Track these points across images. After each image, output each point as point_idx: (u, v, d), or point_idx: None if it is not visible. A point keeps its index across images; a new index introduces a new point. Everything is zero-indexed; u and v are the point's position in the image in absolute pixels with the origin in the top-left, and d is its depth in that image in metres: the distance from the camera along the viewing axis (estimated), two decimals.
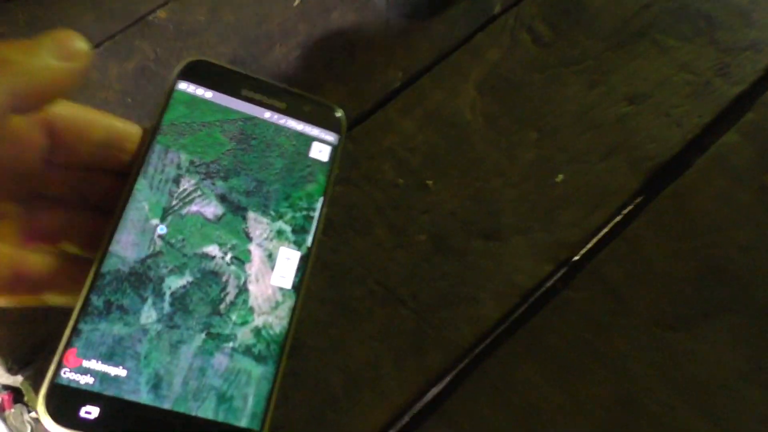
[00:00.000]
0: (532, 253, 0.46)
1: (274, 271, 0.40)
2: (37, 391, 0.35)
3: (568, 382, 0.42)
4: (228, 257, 0.39)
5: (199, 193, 0.40)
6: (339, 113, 0.45)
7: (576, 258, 0.47)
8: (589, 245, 0.47)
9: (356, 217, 0.45)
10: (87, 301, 0.36)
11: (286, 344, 0.38)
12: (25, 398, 0.34)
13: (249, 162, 0.42)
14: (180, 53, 0.46)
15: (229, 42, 0.47)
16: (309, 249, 0.41)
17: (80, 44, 0.32)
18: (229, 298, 0.38)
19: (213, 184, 0.41)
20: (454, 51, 0.51)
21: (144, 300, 0.37)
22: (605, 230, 0.48)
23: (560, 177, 0.49)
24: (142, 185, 0.39)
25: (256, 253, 0.40)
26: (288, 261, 0.40)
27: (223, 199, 0.40)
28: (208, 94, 0.42)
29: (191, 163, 0.40)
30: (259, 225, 0.41)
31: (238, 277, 0.39)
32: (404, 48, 0.50)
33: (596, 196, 0.49)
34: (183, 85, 0.42)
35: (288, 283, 0.40)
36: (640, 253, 0.47)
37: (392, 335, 0.43)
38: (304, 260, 0.40)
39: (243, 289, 0.39)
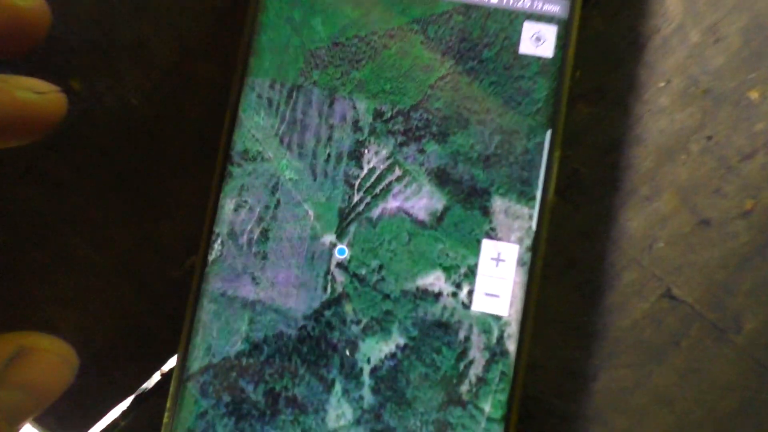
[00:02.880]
0: None
1: None
2: None
3: None
4: (464, 293, 0.21)
5: (398, 173, 0.22)
6: None
7: None
8: None
9: (627, 169, 0.23)
10: (237, 394, 0.21)
11: None
12: None
13: (484, 95, 0.22)
14: None
15: None
16: (535, 240, 0.21)
17: None
18: (474, 372, 0.21)
19: (421, 150, 0.22)
20: None
21: (329, 386, 0.21)
22: None
23: None
24: (296, 170, 0.22)
25: (517, 278, 0.21)
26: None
27: (442, 178, 0.22)
28: None
29: (376, 115, 0.22)
30: (516, 221, 0.22)
31: (487, 330, 0.21)
32: None
33: None
34: None
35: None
36: None
37: (756, 408, 0.22)
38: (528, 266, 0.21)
39: (499, 352, 0.21)
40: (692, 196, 0.23)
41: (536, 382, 0.22)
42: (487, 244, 0.21)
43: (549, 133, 0.22)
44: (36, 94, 0.19)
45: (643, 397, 0.22)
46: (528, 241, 0.21)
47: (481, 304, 0.21)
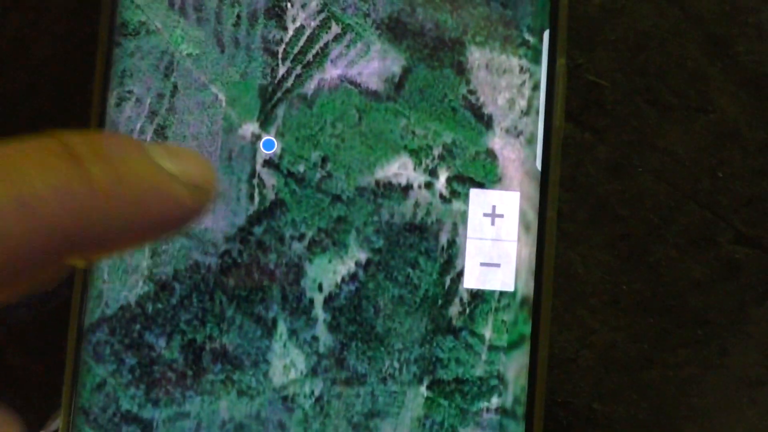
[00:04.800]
0: None
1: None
2: None
3: None
4: (441, 181, 0.16)
5: (336, 30, 0.16)
6: None
7: None
8: None
9: (665, 72, 0.18)
10: (145, 353, 0.16)
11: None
12: None
13: None
14: None
15: None
16: (543, 184, 0.16)
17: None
18: (466, 286, 0.16)
19: None
20: None
21: (270, 329, 0.16)
22: None
23: None
24: (195, 42, 0.16)
25: (508, 154, 0.16)
26: None
27: (397, 30, 0.16)
28: None
29: None
30: (503, 77, 0.16)
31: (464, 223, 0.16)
32: None
33: None
34: None
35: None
36: None
37: None
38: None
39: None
40: (762, 98, 0.17)
41: (566, 381, 0.17)
42: (476, 196, 0.16)
43: (546, 34, 0.16)
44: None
45: (716, 385, 0.17)
46: (533, 187, 0.16)
47: (476, 279, 0.16)
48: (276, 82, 0.16)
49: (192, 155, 0.10)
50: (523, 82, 0.16)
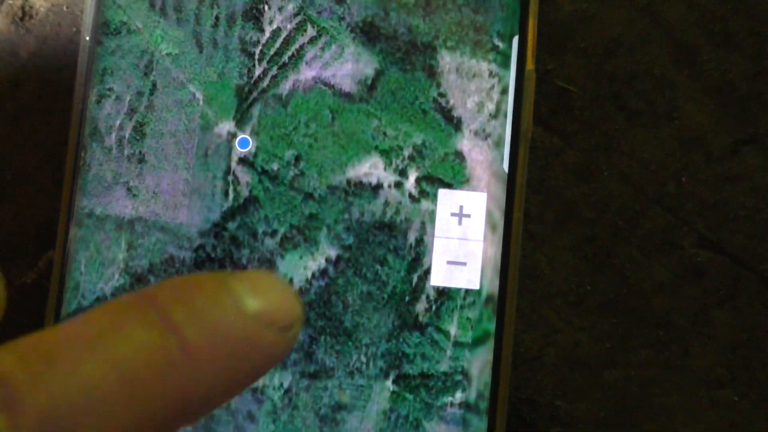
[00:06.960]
0: None
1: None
2: None
3: None
4: (411, 182, 0.17)
5: (311, 32, 0.17)
6: None
7: None
8: None
9: (633, 79, 0.18)
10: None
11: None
12: None
13: None
14: None
15: None
16: (510, 185, 0.17)
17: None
18: (433, 284, 0.16)
19: (339, 1, 0.17)
20: None
21: None
22: None
23: None
24: (174, 42, 0.17)
25: (476, 156, 0.17)
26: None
27: (370, 34, 0.17)
28: None
29: None
30: (472, 81, 0.17)
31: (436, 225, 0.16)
32: None
33: None
34: None
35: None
36: None
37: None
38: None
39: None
40: (727, 105, 0.18)
41: (530, 378, 0.17)
42: (445, 196, 0.16)
43: (516, 40, 0.17)
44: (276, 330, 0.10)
45: (677, 385, 0.17)
46: (500, 188, 0.17)
47: (442, 276, 0.16)
48: (252, 82, 0.17)
49: (274, 284, 0.10)
50: (492, 86, 0.17)
